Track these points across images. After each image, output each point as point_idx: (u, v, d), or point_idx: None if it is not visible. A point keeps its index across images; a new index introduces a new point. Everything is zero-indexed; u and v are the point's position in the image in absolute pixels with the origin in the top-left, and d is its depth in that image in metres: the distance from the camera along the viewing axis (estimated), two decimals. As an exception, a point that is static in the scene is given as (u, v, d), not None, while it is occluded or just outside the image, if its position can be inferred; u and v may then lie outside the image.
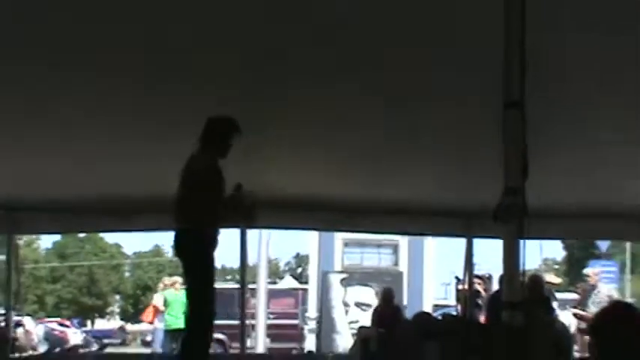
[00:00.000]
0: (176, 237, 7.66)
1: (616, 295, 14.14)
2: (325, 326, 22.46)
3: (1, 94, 8.11)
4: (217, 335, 18.43)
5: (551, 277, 15.66)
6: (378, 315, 14.16)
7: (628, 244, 51.90)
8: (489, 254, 9.14)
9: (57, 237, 58.50)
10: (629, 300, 46.91)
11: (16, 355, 15.30)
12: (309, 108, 8.48)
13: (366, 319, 18.33)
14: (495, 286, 13.97)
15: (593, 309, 13.18)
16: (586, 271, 15.72)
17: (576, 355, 12.90)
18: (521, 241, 5.62)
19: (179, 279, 17.95)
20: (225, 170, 7.78)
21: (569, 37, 6.76)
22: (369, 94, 8.14)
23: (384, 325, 12.07)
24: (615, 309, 4.36)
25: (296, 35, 6.90)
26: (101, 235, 54.74)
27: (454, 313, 15.06)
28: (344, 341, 20.72)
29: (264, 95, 8.06)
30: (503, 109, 5.55)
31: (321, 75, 7.72)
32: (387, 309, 14.18)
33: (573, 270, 40.49)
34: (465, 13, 6.53)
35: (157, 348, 17.86)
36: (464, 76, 7.55)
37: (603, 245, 48.58)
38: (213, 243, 7.65)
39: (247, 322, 16.13)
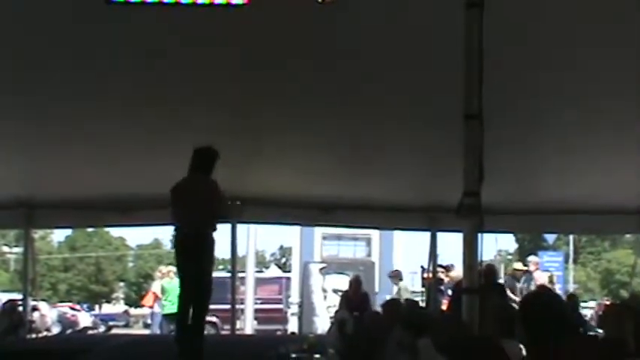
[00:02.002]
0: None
1: (547, 282, 14.20)
2: (306, 310, 22.36)
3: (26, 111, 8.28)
4: (210, 318, 18.34)
5: (518, 265, 15.66)
6: (346, 299, 14.07)
7: (571, 237, 52.17)
8: (451, 246, 9.16)
9: (68, 231, 58.32)
10: (571, 285, 47.18)
11: (33, 335, 15.20)
12: (291, 123, 8.71)
13: (341, 303, 18.26)
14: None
15: (519, 286, 13.40)
16: (530, 258, 15.76)
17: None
18: (479, 235, 5.67)
19: (174, 268, 17.69)
20: (222, 174, 7.93)
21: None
22: (345, 109, 8.26)
23: (352, 309, 12.00)
24: (538, 292, 5.33)
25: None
26: (107, 229, 54.38)
27: (416, 299, 14.98)
28: (322, 323, 20.63)
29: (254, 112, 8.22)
30: (464, 120, 5.57)
31: (296, 96, 7.90)
32: (356, 295, 14.07)
33: (524, 260, 40.57)
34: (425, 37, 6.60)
35: (156, 330, 17.66)
36: (429, 92, 7.62)
37: (550, 238, 48.77)
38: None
39: (237, 306, 16.07)
